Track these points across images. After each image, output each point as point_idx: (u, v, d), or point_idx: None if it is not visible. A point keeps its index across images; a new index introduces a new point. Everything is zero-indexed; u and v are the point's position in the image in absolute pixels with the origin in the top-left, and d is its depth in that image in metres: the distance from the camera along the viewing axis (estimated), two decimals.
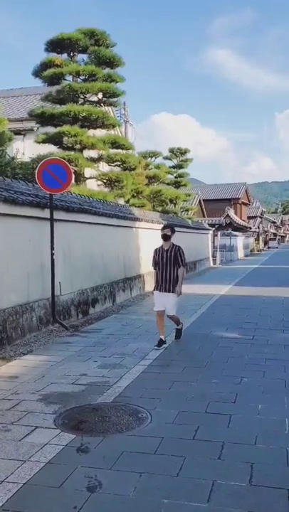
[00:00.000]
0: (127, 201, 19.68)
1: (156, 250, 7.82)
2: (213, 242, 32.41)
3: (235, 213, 48.79)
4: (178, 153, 31.96)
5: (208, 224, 34.30)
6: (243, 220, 51.80)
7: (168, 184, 29.69)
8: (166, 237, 7.65)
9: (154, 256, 7.83)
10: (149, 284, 15.49)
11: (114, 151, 16.30)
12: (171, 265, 7.59)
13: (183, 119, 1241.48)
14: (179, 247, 7.75)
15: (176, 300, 7.71)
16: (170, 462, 3.72)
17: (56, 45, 15.32)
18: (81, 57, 16.09)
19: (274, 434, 4.26)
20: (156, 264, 7.76)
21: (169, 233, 7.67)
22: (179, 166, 32.00)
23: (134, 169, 17.45)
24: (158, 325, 7.71)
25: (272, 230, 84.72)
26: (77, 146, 14.84)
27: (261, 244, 65.77)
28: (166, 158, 31.27)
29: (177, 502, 3.17)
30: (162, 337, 7.57)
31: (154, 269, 7.84)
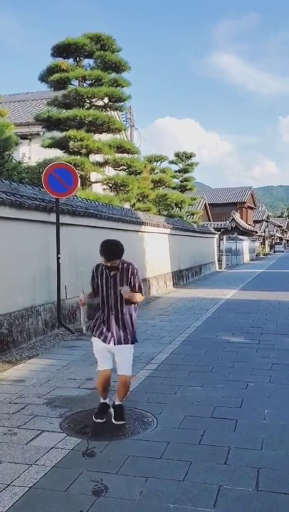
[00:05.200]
0: (133, 205, 19.73)
1: (95, 269, 4.69)
2: (219, 246, 32.37)
3: (241, 217, 48.81)
4: (183, 157, 32.00)
5: (214, 228, 34.27)
6: (249, 224, 51.76)
7: (173, 188, 29.75)
8: (110, 269, 4.56)
9: (93, 276, 4.70)
10: (154, 288, 15.51)
11: (120, 155, 16.35)
12: (122, 298, 4.56)
13: (187, 123, 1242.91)
14: (133, 266, 4.62)
15: (132, 352, 4.73)
16: (176, 467, 3.71)
17: (62, 49, 15.41)
18: (87, 61, 16.20)
19: (280, 439, 4.24)
20: (96, 290, 4.71)
21: (115, 263, 4.50)
22: (185, 170, 32.03)
23: (139, 173, 17.51)
24: (100, 388, 4.79)
25: (278, 234, 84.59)
26: (83, 151, 14.89)
27: (267, 249, 65.65)
28: (171, 162, 31.32)
29: (183, 507, 3.16)
30: (105, 400, 4.81)
31: (95, 295, 4.76)
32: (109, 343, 4.58)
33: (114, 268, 4.53)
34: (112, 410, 4.72)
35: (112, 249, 4.49)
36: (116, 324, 4.58)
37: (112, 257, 4.46)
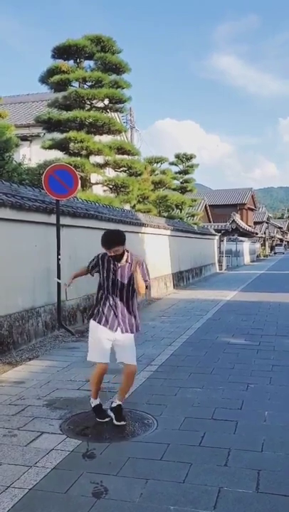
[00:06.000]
0: (133, 207, 19.73)
1: (101, 258, 4.73)
2: (219, 247, 32.38)
3: (241, 219, 48.80)
4: (184, 158, 32.06)
5: (214, 229, 34.28)
6: (249, 226, 51.77)
7: (174, 190, 29.76)
8: (117, 258, 4.58)
9: (97, 262, 4.76)
10: (155, 290, 15.50)
11: (120, 156, 16.36)
12: (128, 288, 4.63)
13: (187, 125, 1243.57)
14: (142, 259, 4.75)
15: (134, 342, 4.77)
16: (176, 468, 3.70)
17: (63, 51, 15.43)
18: (88, 63, 16.23)
19: (281, 440, 4.23)
20: (100, 281, 4.72)
21: (117, 251, 4.53)
22: (185, 172, 32.08)
23: (140, 175, 17.51)
24: (93, 384, 4.81)
25: (279, 236, 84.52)
26: (84, 152, 14.90)
27: (267, 250, 65.63)
28: (172, 163, 31.37)
29: (184, 508, 3.16)
30: (98, 400, 4.81)
31: (88, 271, 4.88)
32: (116, 331, 4.57)
33: (120, 257, 4.55)
34: (110, 412, 4.71)
35: (110, 237, 4.54)
36: (123, 314, 4.60)
37: (111, 244, 4.50)
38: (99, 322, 4.63)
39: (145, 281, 4.62)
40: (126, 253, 4.62)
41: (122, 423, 4.59)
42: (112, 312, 4.61)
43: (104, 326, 4.60)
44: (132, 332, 4.66)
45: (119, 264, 4.59)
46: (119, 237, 4.54)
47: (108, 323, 4.60)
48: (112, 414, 4.68)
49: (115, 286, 4.60)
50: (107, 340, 4.61)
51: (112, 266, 4.61)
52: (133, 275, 4.55)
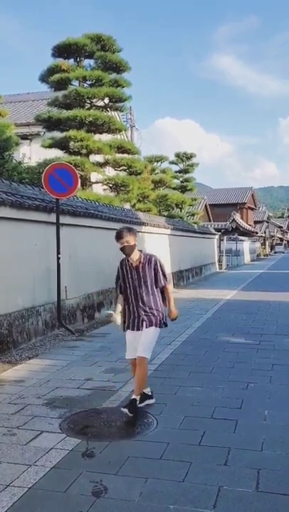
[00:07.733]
0: (133, 206, 19.71)
1: (120, 263, 5.06)
2: (219, 246, 32.36)
3: (242, 218, 48.77)
4: (184, 157, 32.03)
5: (214, 228, 34.26)
6: (250, 225, 51.72)
7: (174, 189, 29.74)
8: (127, 250, 4.86)
9: (118, 274, 5.06)
10: None
11: (121, 155, 16.36)
12: (146, 287, 4.92)
13: (187, 124, 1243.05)
14: (156, 258, 5.01)
15: (156, 335, 5.04)
16: (176, 467, 3.69)
17: (63, 50, 15.44)
18: (88, 62, 16.22)
19: (281, 440, 4.22)
20: (121, 287, 5.05)
21: (129, 242, 4.82)
22: (185, 171, 32.05)
23: (140, 174, 17.51)
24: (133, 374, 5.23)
25: (279, 235, 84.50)
26: (84, 151, 14.90)
27: (267, 249, 65.62)
28: (172, 162, 31.34)
29: (183, 508, 3.15)
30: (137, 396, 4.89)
31: (119, 293, 5.11)
32: (141, 329, 4.92)
33: (130, 251, 4.85)
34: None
35: (119, 230, 4.94)
36: (144, 311, 4.93)
37: (121, 235, 4.84)
38: (130, 328, 5.03)
39: (165, 277, 5.02)
40: (139, 253, 4.95)
41: (127, 412, 4.69)
42: (136, 313, 4.96)
43: (129, 328, 5.03)
44: (155, 326, 4.96)
45: (134, 265, 4.91)
46: (127, 228, 4.94)
47: (134, 326, 4.98)
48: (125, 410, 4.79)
49: (135, 285, 4.93)
50: (132, 341, 5.01)
51: (128, 267, 4.96)
52: (148, 274, 4.90)
